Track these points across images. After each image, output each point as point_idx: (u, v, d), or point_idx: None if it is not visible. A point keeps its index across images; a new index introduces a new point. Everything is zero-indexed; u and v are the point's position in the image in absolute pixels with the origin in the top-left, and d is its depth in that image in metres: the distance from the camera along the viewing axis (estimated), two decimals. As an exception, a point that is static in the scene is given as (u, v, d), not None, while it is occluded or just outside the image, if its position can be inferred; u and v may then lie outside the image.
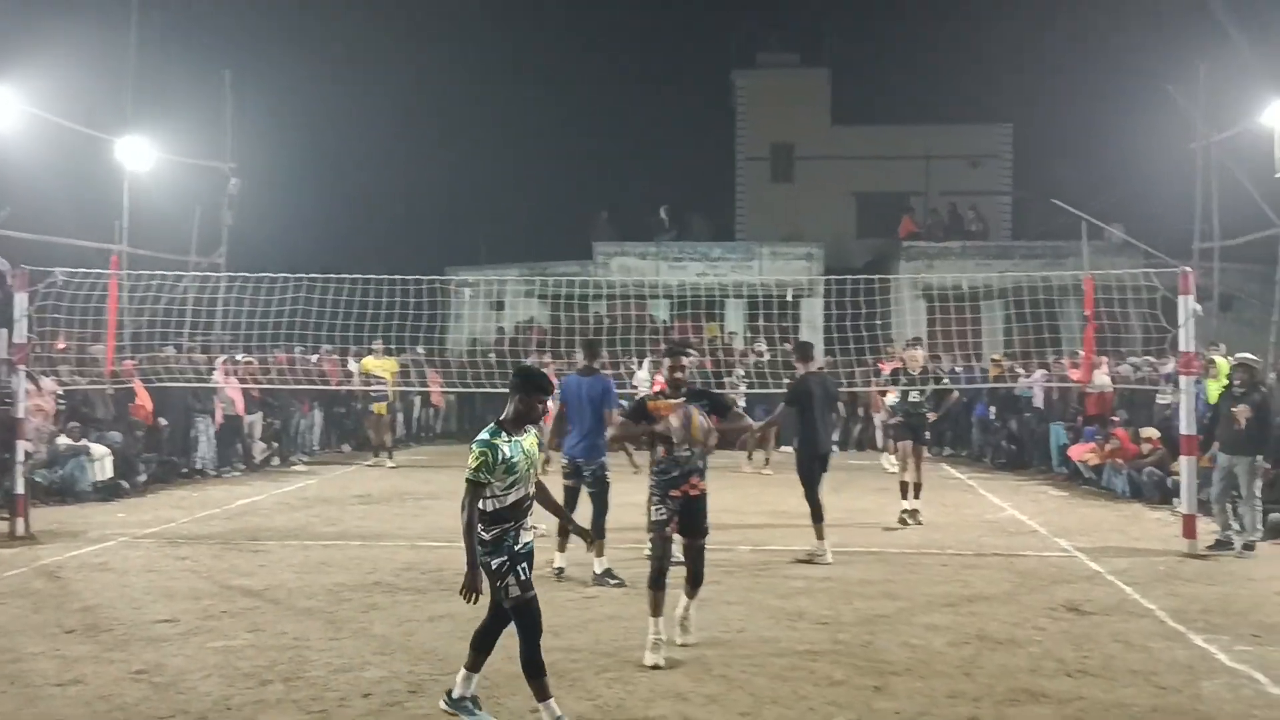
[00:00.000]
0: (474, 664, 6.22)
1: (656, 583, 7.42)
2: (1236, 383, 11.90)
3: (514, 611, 5.93)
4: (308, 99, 32.92)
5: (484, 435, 5.93)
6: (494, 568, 5.87)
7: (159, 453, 16.38)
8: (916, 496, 13.31)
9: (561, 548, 9.91)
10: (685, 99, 41.10)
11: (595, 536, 9.12)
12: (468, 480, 5.82)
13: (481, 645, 6.23)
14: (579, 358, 10.70)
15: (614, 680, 6.93)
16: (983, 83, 36.51)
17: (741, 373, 21.54)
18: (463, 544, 5.82)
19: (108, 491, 14.52)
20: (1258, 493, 11.73)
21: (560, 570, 9.86)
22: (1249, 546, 11.47)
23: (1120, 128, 29.78)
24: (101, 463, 14.62)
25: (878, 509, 13.96)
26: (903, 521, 13.06)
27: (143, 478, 15.47)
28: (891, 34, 42.18)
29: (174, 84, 23.40)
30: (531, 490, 6.07)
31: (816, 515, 10.90)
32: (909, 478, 13.35)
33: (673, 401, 7.61)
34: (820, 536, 10.82)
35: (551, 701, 5.92)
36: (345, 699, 6.55)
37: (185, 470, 16.86)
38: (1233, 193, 20.50)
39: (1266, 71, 19.27)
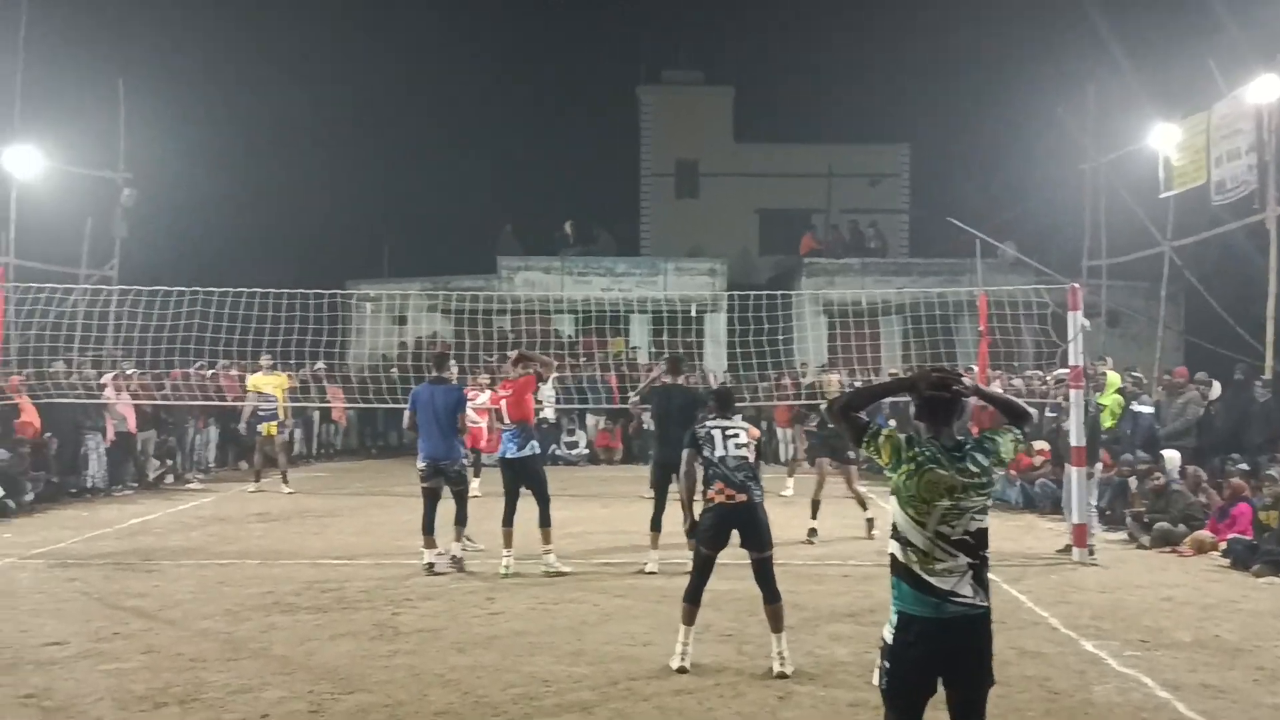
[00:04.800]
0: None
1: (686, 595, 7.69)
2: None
3: None
4: (204, 109, 32.13)
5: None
6: None
7: (47, 471, 15.83)
8: (864, 507, 13.37)
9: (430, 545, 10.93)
10: (591, 114, 41.26)
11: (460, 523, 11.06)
12: None
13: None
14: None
15: (520, 696, 6.89)
16: (882, 103, 37.34)
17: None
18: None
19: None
20: (1092, 501, 12.42)
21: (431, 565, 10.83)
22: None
23: (1014, 149, 30.61)
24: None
25: (784, 521, 14.03)
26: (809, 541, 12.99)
27: (30, 497, 14.93)
28: (793, 54, 42.98)
29: (65, 91, 22.74)
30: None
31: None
32: (821, 496, 13.32)
33: None
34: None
35: None
36: (244, 720, 6.42)
37: (75, 489, 16.31)
38: (1120, 212, 21.29)
39: (1151, 95, 20.07)
